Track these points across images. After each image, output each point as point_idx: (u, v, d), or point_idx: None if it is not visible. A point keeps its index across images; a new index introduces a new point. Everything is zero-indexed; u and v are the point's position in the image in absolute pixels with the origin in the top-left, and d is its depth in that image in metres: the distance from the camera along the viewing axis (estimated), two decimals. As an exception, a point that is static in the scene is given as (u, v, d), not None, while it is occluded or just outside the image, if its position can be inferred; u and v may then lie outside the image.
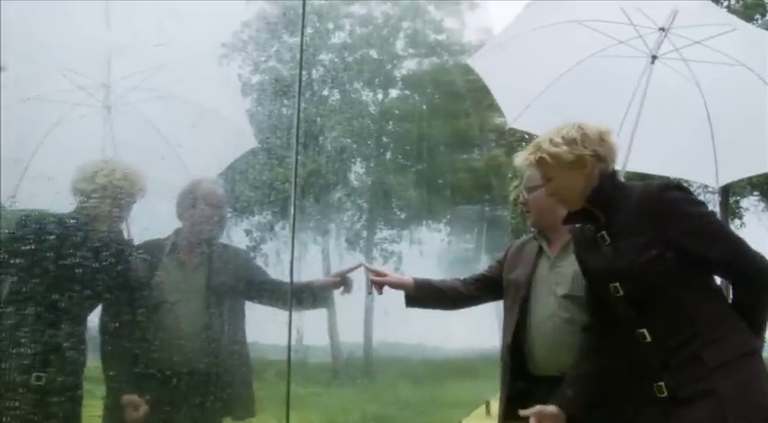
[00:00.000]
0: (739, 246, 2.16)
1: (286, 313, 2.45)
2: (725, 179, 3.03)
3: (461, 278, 2.97)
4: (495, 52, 3.36)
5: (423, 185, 5.38)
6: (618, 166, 2.77)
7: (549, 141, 2.28)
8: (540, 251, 2.84)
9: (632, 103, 2.91)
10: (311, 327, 3.03)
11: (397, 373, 4.65)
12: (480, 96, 9.89)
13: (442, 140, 6.53)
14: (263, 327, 2.54)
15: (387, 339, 4.24)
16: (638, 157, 2.76)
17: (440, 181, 6.32)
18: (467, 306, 3.11)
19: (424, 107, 5.74)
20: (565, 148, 2.23)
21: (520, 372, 2.71)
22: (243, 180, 2.43)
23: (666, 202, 2.18)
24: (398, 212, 4.67)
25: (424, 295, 2.83)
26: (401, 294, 3.73)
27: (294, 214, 2.53)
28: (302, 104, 3.16)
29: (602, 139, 2.29)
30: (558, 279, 2.72)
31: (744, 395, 1.99)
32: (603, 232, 2.27)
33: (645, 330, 2.17)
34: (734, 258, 2.12)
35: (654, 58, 2.93)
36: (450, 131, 7.07)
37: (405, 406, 4.73)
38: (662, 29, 2.90)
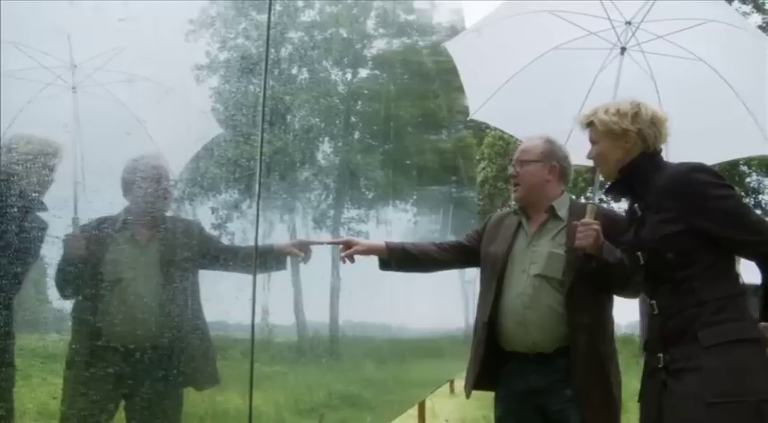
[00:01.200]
0: (756, 221, 2.27)
1: (249, 291, 2.46)
2: None
3: (437, 243, 3.03)
4: (470, 38, 3.39)
5: (390, 166, 5.38)
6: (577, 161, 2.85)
7: (604, 110, 2.46)
8: (519, 227, 2.93)
9: (587, 100, 2.98)
10: (277, 306, 3.04)
11: (362, 353, 4.68)
12: (449, 78, 9.89)
13: (409, 121, 6.54)
14: (228, 305, 2.54)
15: (352, 319, 4.25)
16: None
17: (407, 161, 6.34)
18: (439, 270, 3.19)
19: (392, 87, 5.72)
20: (615, 119, 2.41)
21: (493, 346, 2.81)
22: (208, 157, 2.42)
23: (692, 183, 2.31)
24: (366, 192, 4.67)
25: (396, 259, 2.91)
26: (368, 275, 3.76)
27: (259, 192, 2.53)
28: (270, 82, 3.13)
29: (652, 122, 2.46)
30: (534, 258, 2.82)
31: (727, 375, 2.11)
32: (635, 205, 2.46)
33: (655, 302, 2.31)
34: (754, 238, 2.23)
35: (623, 49, 2.99)
36: (419, 112, 7.07)
37: (369, 385, 4.76)
38: (628, 23, 2.96)
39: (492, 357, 2.80)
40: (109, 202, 2.20)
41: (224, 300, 2.52)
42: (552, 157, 2.85)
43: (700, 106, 3.07)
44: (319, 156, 4.01)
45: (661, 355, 2.24)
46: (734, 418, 2.06)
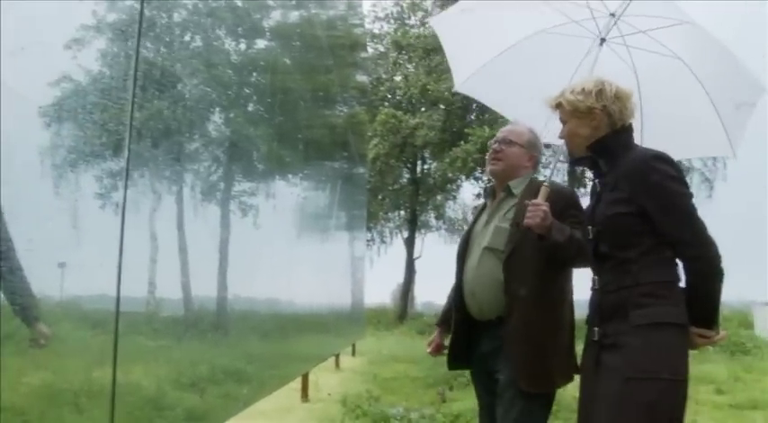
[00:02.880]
0: (696, 229, 2.40)
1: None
2: None
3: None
4: (457, 15, 3.42)
5: (281, 139, 5.32)
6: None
7: (570, 90, 2.53)
8: (484, 208, 3.15)
9: (573, 80, 3.08)
10: (164, 279, 2.96)
11: (249, 328, 4.64)
12: (343, 53, 9.85)
13: (302, 95, 6.47)
14: (94, 273, 2.42)
15: (240, 294, 4.20)
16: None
17: (298, 136, 6.28)
18: None
19: (287, 60, 5.64)
20: (580, 97, 2.49)
21: (465, 316, 3.04)
22: (71, 119, 2.29)
23: (651, 170, 2.42)
24: (257, 165, 4.60)
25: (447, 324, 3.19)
26: (256, 249, 3.70)
27: (128, 158, 2.44)
28: (161, 49, 3.02)
29: (617, 97, 2.53)
30: (486, 232, 2.99)
31: (646, 354, 2.26)
32: (597, 181, 2.58)
33: (597, 278, 2.44)
34: (686, 239, 2.36)
35: (603, 40, 3.10)
36: (312, 86, 7.01)
37: (254, 359, 4.74)
38: (612, 14, 3.06)
39: (469, 327, 3.05)
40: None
41: (88, 268, 2.41)
42: (534, 148, 3.07)
43: (674, 103, 3.22)
44: (210, 126, 3.89)
45: (596, 329, 2.39)
46: (646, 393, 2.21)
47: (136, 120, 2.48)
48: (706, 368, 10.26)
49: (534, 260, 2.78)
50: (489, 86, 3.38)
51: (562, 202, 2.83)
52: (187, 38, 3.37)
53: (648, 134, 3.07)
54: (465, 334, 3.05)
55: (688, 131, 3.27)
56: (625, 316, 2.31)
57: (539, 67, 3.27)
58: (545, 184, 2.83)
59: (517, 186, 3.00)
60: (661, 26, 3.12)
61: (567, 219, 2.78)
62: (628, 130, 2.54)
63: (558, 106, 2.58)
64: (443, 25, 3.54)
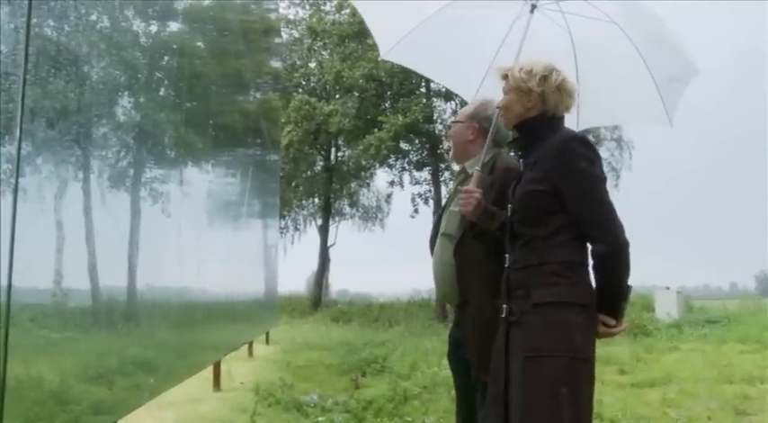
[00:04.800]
0: (606, 213, 2.48)
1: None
2: (583, 125, 3.29)
3: None
4: None
5: (193, 125, 5.19)
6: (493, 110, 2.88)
7: (519, 67, 2.57)
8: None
9: (502, 47, 3.07)
10: (72, 269, 2.85)
11: (159, 317, 4.53)
12: (257, 38, 9.69)
13: (215, 80, 6.34)
14: (20, 268, 2.33)
15: (151, 283, 4.10)
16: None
17: (210, 121, 6.15)
18: None
19: (200, 44, 5.50)
20: (524, 76, 2.53)
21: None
22: None
23: (566, 151, 2.49)
24: (168, 152, 4.48)
25: None
26: (167, 238, 3.58)
27: (20, 138, 2.32)
28: (66, 28, 2.89)
29: (558, 88, 2.58)
30: (445, 219, 2.98)
31: (545, 332, 2.35)
32: (521, 161, 2.64)
33: (508, 256, 2.49)
34: (594, 221, 2.43)
35: (533, 6, 3.08)
36: (225, 72, 6.88)
37: (165, 349, 4.64)
38: None
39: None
40: None
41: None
42: (475, 118, 2.94)
43: (612, 67, 3.24)
44: (118, 110, 3.76)
45: (504, 306, 2.44)
46: (544, 371, 2.27)
47: (29, 97, 2.34)
48: (610, 350, 10.73)
49: (486, 245, 2.72)
50: (417, 53, 3.35)
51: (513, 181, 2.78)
52: (93, 17, 3.23)
53: (586, 99, 3.12)
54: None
55: (626, 95, 3.34)
56: (528, 294, 2.38)
57: (467, 31, 3.26)
58: (476, 168, 2.81)
59: (473, 166, 2.94)
60: None
61: None
62: (559, 118, 2.60)
63: (505, 78, 2.65)
64: None
